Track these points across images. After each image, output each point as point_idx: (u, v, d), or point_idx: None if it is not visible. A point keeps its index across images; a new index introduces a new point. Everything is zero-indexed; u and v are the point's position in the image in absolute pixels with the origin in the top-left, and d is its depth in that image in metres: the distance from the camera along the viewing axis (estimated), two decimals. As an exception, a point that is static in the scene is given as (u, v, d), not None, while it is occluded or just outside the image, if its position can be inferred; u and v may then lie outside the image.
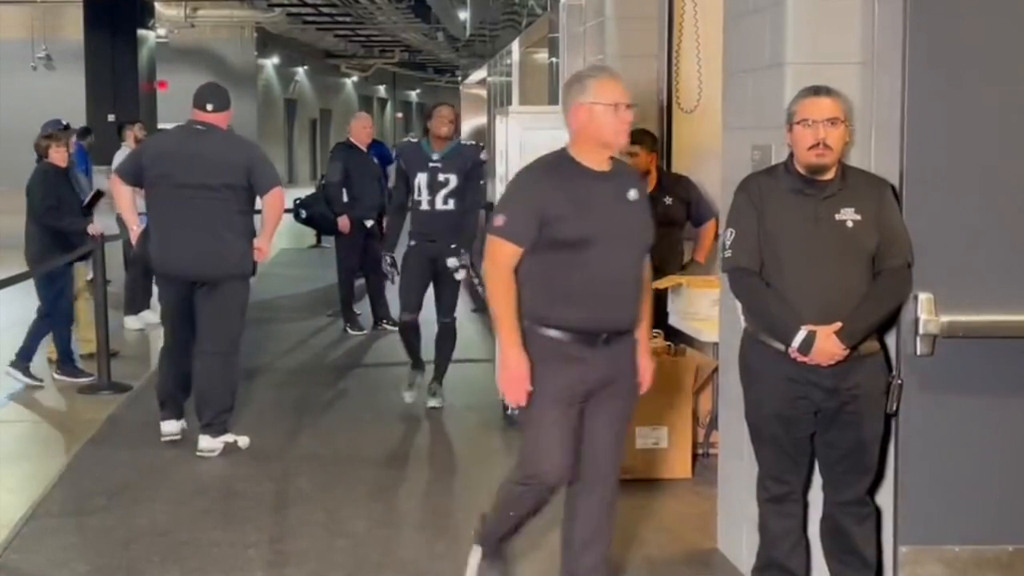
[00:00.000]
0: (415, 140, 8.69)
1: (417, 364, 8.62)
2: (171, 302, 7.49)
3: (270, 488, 6.80)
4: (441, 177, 8.23)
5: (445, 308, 8.44)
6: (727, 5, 5.62)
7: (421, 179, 8.25)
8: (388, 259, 8.60)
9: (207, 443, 7.40)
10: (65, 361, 9.56)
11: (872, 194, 4.57)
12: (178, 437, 7.56)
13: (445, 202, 8.23)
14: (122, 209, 7.62)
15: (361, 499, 6.61)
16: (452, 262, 8.21)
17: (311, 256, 19.34)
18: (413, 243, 8.34)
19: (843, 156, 4.63)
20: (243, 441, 7.58)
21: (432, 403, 8.43)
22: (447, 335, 8.51)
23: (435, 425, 7.24)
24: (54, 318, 9.38)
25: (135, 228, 7.55)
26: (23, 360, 9.29)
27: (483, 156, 8.62)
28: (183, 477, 7.03)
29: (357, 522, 6.21)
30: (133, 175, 7.41)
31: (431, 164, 8.24)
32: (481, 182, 8.60)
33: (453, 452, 7.46)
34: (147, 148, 7.74)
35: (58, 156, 9.39)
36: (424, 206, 8.26)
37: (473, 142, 9.03)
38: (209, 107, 7.31)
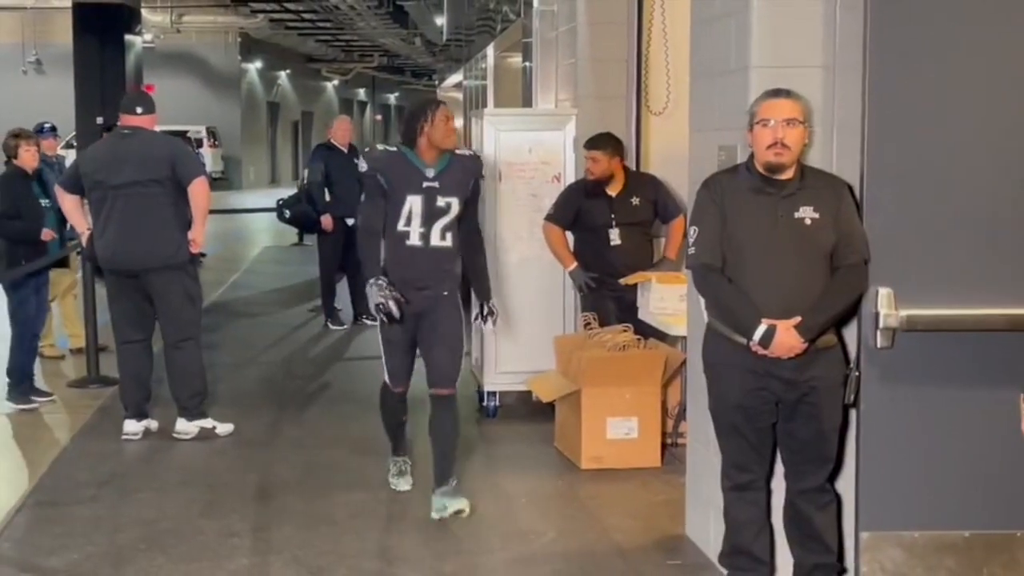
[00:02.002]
0: (394, 149, 6.15)
1: (400, 448, 6.74)
2: (118, 300, 7.73)
3: (253, 478, 6.93)
4: (441, 202, 6.02)
5: (441, 374, 6.18)
6: (694, 11, 5.69)
7: (413, 204, 6.00)
8: (382, 281, 5.93)
9: (182, 426, 7.75)
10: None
11: (830, 194, 4.67)
12: (138, 436, 7.72)
13: (442, 236, 6.05)
14: (69, 216, 8.00)
15: (342, 488, 6.73)
16: (489, 328, 6.57)
17: (293, 253, 19.56)
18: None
19: (802, 157, 4.72)
20: (224, 428, 7.79)
21: (455, 506, 6.18)
22: (445, 416, 6.23)
23: (413, 417, 7.32)
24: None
25: (85, 232, 7.80)
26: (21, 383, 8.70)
27: (484, 171, 6.73)
28: (169, 467, 7.18)
29: (339, 510, 6.32)
30: (73, 184, 7.77)
31: (426, 184, 6.01)
32: (479, 204, 6.60)
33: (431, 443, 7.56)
34: (83, 158, 8.04)
35: (28, 157, 8.74)
36: (414, 240, 6.03)
37: (470, 151, 6.64)
38: (139, 110, 7.67)
